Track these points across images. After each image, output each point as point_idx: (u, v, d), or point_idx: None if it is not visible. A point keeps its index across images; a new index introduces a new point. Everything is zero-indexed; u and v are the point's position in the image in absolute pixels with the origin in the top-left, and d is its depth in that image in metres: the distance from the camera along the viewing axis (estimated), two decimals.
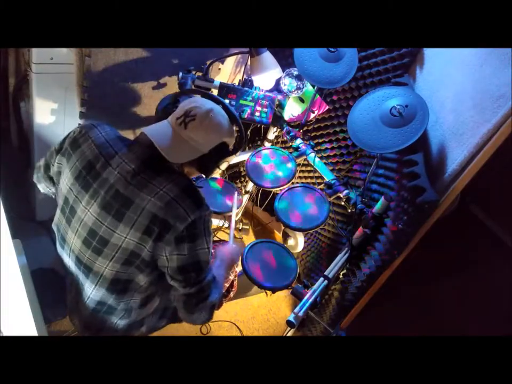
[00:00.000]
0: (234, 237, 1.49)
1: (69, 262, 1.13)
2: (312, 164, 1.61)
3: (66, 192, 1.08)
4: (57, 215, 1.14)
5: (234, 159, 1.98)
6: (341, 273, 1.51)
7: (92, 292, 1.11)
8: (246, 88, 1.67)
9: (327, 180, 1.51)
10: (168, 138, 1.02)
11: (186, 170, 1.11)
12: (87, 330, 1.22)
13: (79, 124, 1.69)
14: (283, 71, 1.65)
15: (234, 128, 1.12)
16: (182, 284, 1.05)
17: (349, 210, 1.47)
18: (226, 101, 1.65)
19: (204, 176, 1.15)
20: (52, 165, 1.14)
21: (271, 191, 1.83)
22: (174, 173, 1.04)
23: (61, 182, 1.11)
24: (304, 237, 1.90)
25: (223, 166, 1.15)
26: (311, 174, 1.96)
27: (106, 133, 1.08)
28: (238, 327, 1.88)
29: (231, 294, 1.67)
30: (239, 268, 1.55)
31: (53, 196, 1.22)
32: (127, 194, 0.99)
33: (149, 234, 0.99)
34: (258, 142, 2.03)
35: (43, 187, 1.24)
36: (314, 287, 1.37)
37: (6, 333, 0.95)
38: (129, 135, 1.83)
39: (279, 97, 1.73)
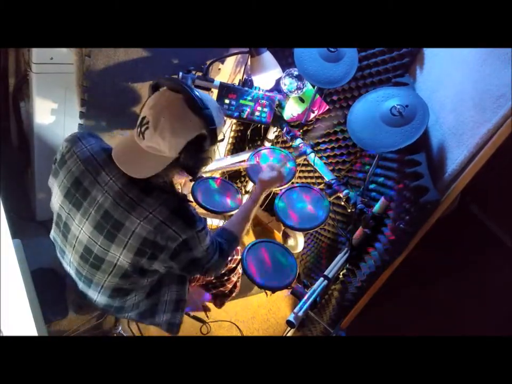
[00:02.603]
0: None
1: (70, 271, 1.14)
2: (312, 164, 1.61)
3: (58, 209, 1.07)
4: (53, 228, 1.14)
5: (235, 159, 1.98)
6: (341, 273, 1.51)
7: (96, 298, 1.12)
8: (246, 88, 1.67)
9: (327, 180, 1.51)
10: (130, 154, 0.96)
11: (170, 175, 1.05)
12: (105, 312, 1.27)
13: (79, 123, 1.69)
14: (283, 71, 1.65)
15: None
16: (194, 273, 1.14)
17: (349, 210, 1.47)
18: (226, 101, 1.66)
19: (191, 176, 1.05)
20: (50, 175, 1.12)
21: (271, 191, 1.83)
22: (162, 192, 0.99)
23: (52, 199, 1.10)
24: (304, 237, 1.90)
25: (207, 162, 1.03)
26: (311, 174, 1.96)
27: (91, 146, 1.03)
28: (238, 327, 1.88)
29: (234, 294, 1.67)
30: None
31: None
32: (116, 217, 0.97)
33: (142, 255, 0.98)
34: (258, 142, 2.03)
35: None
36: (314, 287, 1.37)
37: (6, 333, 0.95)
38: None
39: (279, 97, 1.73)
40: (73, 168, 1.02)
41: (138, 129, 0.95)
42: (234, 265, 1.54)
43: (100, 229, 0.99)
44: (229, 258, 1.19)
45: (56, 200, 1.07)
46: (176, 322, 1.29)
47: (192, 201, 1.74)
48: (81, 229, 1.02)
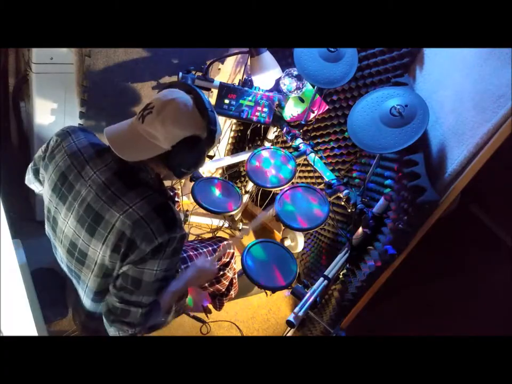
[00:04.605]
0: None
1: (63, 267, 1.14)
2: (312, 164, 1.61)
3: (47, 203, 1.08)
4: (45, 223, 1.14)
5: (235, 159, 1.99)
6: (341, 273, 1.51)
7: (83, 297, 1.11)
8: (246, 88, 1.67)
9: (327, 180, 1.51)
10: (125, 135, 0.95)
11: (160, 173, 1.03)
12: (84, 331, 1.22)
13: (79, 123, 1.69)
14: (283, 71, 1.65)
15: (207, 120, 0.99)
16: (115, 290, 0.99)
17: (349, 210, 1.47)
18: (226, 101, 1.67)
19: (175, 176, 1.03)
20: (40, 172, 1.12)
21: (271, 191, 1.83)
22: (147, 188, 0.97)
23: (43, 192, 1.10)
24: (304, 237, 1.90)
25: (198, 166, 1.03)
26: (311, 174, 1.96)
27: (79, 141, 1.03)
28: (238, 327, 1.88)
29: (232, 293, 1.67)
30: (238, 268, 1.55)
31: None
32: (97, 210, 0.96)
33: (117, 251, 0.95)
34: (258, 142, 2.03)
35: (35, 188, 1.23)
36: (314, 287, 1.37)
37: (6, 333, 0.95)
38: None
39: (279, 97, 1.73)
40: (60, 163, 1.02)
41: (141, 113, 0.96)
42: (228, 259, 1.54)
43: (82, 222, 0.99)
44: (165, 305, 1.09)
45: (46, 194, 1.07)
46: (157, 323, 1.26)
47: (178, 201, 1.73)
48: (67, 223, 1.02)
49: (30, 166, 1.18)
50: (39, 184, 1.18)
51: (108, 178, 0.97)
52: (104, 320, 1.03)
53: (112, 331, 1.03)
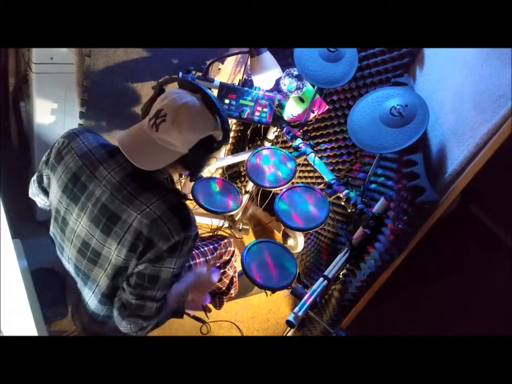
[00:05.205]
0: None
1: (69, 268, 1.14)
2: (312, 164, 1.61)
3: (56, 204, 1.07)
4: (52, 224, 1.14)
5: (235, 159, 1.99)
6: (341, 273, 1.51)
7: (89, 298, 1.11)
8: (246, 88, 1.67)
9: (327, 180, 1.51)
10: (140, 144, 0.96)
11: (173, 171, 1.06)
12: (85, 333, 1.22)
13: (79, 123, 1.69)
14: (283, 71, 1.65)
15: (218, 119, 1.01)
16: (130, 288, 1.00)
17: (349, 210, 1.47)
18: (226, 101, 1.67)
19: (192, 175, 1.07)
20: (44, 175, 1.12)
21: (271, 191, 1.83)
22: (162, 188, 0.99)
23: (50, 194, 1.10)
24: (304, 237, 1.90)
25: (212, 162, 1.07)
26: (311, 174, 1.96)
27: (89, 142, 1.04)
28: (238, 327, 1.88)
29: (232, 292, 1.67)
30: (239, 267, 1.55)
31: (48, 209, 1.19)
32: (113, 209, 0.97)
33: (134, 251, 0.96)
34: (258, 142, 2.04)
35: (39, 201, 1.22)
36: (314, 287, 1.37)
37: (6, 333, 0.95)
38: None
39: (279, 97, 1.73)
40: (70, 164, 1.02)
41: (153, 120, 0.96)
42: (228, 257, 1.54)
43: (96, 222, 0.99)
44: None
45: (54, 196, 1.07)
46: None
47: (191, 199, 1.74)
48: (79, 223, 1.02)
49: (33, 178, 1.18)
50: (43, 195, 1.18)
51: (122, 178, 0.98)
52: (117, 315, 1.04)
53: (124, 324, 1.04)
